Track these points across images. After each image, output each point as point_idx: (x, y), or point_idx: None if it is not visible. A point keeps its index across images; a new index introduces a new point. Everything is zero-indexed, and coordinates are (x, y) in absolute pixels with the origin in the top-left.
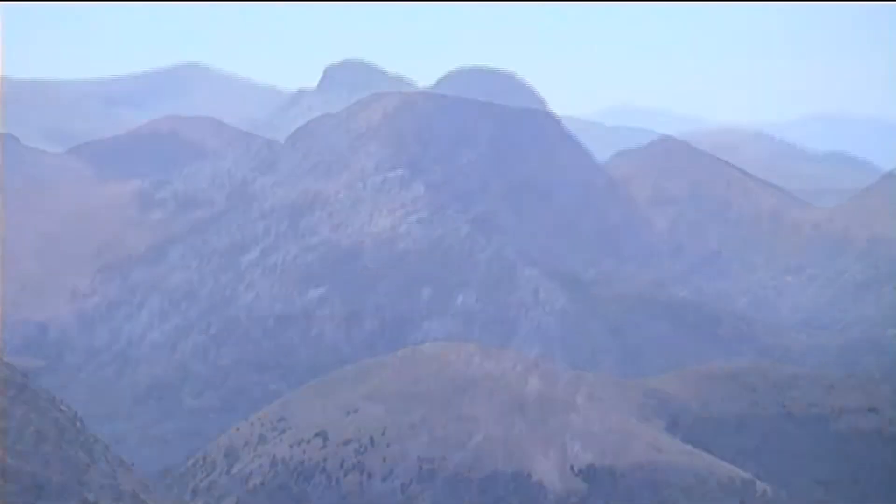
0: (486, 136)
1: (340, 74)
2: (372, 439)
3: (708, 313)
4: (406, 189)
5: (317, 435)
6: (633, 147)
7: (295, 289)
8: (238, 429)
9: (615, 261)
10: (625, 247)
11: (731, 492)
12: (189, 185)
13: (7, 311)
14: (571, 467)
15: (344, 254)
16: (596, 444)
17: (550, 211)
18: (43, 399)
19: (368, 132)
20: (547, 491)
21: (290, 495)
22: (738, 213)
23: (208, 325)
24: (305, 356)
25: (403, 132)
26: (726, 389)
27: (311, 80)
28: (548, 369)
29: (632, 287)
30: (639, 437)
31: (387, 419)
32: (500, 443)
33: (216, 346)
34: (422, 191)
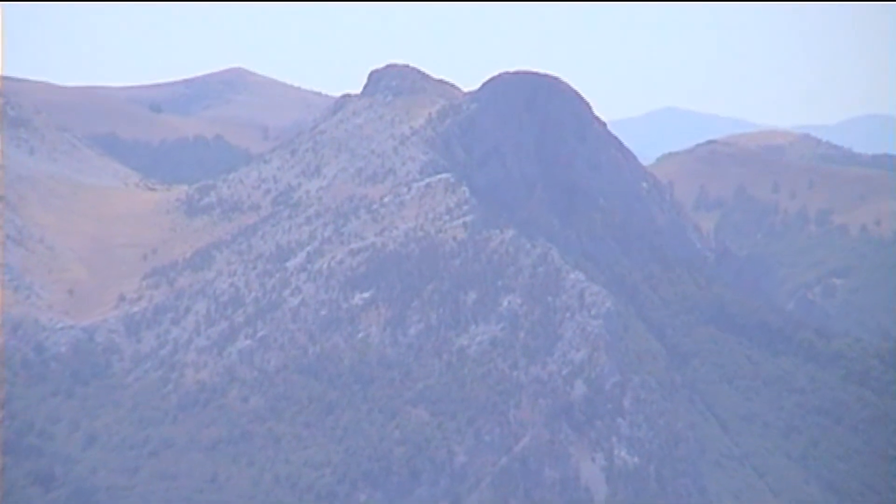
0: (530, 139)
1: (385, 79)
2: (418, 444)
3: (755, 317)
4: (451, 193)
5: (363, 439)
6: (679, 150)
7: (340, 293)
8: None
9: (661, 264)
10: (670, 250)
11: (781, 496)
12: (234, 190)
13: (54, 317)
14: (618, 472)
15: (389, 258)
16: (643, 448)
17: (596, 214)
18: (91, 404)
19: (413, 136)
20: (593, 495)
21: (337, 497)
22: (785, 215)
23: (254, 329)
24: (351, 360)
25: (448, 136)
26: (774, 393)
27: (356, 85)
28: (594, 373)
29: (678, 290)
30: (686, 442)
31: (433, 423)
32: (546, 447)
33: (262, 351)
34: (466, 195)
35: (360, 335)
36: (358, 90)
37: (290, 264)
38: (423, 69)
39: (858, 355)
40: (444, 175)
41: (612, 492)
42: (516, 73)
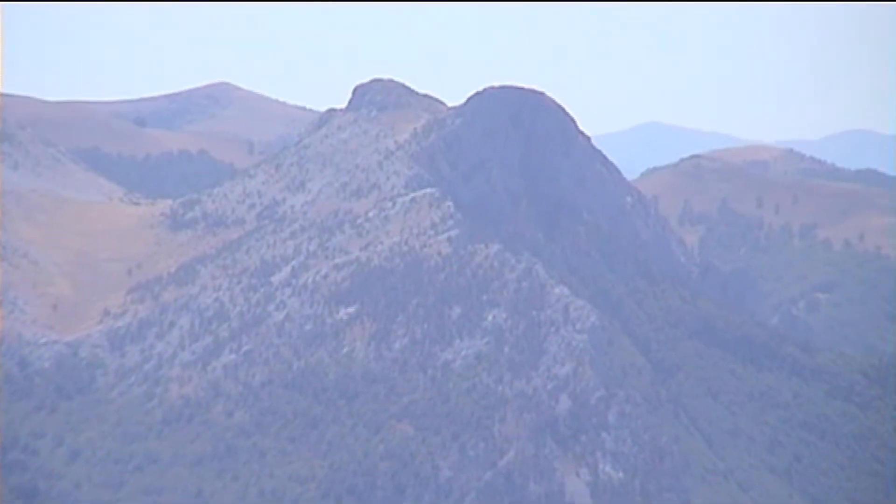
0: (515, 154)
1: (370, 93)
2: (402, 458)
3: (739, 331)
4: (436, 208)
5: (347, 454)
6: (663, 165)
7: (325, 308)
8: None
9: (645, 278)
10: (655, 264)
11: None
12: (219, 204)
13: (38, 332)
14: (603, 486)
15: (374, 273)
16: (627, 462)
17: (580, 229)
18: (75, 419)
19: (398, 151)
20: None
21: None
22: (769, 230)
23: (239, 344)
24: (335, 375)
25: (433, 151)
26: (758, 408)
27: (341, 100)
28: (579, 388)
29: (662, 305)
30: (670, 456)
31: (417, 438)
32: (530, 462)
33: (247, 366)
34: (451, 209)
35: (345, 350)
36: (343, 105)
37: (275, 279)
38: (407, 84)
39: (842, 370)
40: (428, 190)
41: None
42: (501, 88)
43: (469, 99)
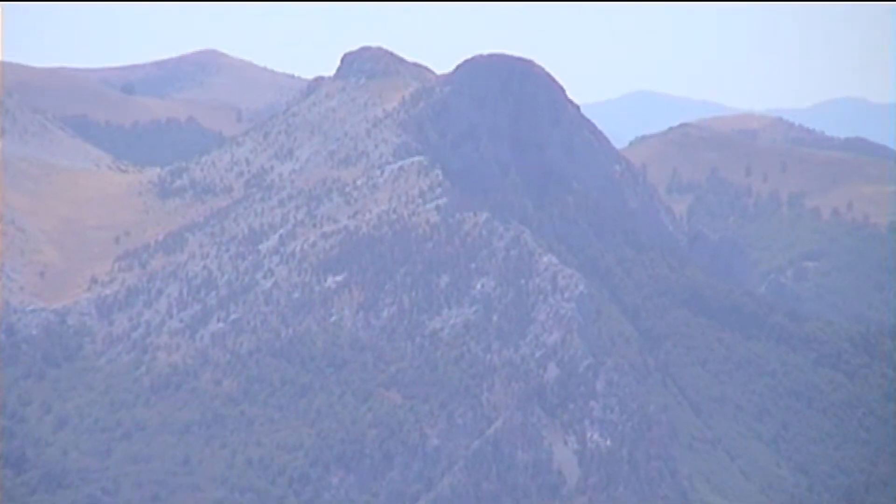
0: (504, 122)
1: (358, 61)
2: (390, 427)
3: (728, 300)
4: (424, 176)
5: (336, 422)
6: (652, 133)
7: (313, 276)
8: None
9: (634, 247)
10: (644, 233)
11: (752, 479)
12: (207, 172)
13: (26, 299)
14: (591, 455)
15: (362, 241)
16: (615, 431)
17: (569, 198)
18: (63, 387)
19: (386, 119)
20: (566, 478)
21: (310, 480)
22: (758, 199)
23: (227, 312)
24: (323, 343)
25: (421, 119)
26: (746, 376)
27: (329, 68)
28: (567, 356)
29: (651, 274)
30: (658, 424)
31: (405, 406)
32: (518, 430)
33: (235, 334)
34: (440, 178)
35: (333, 318)
36: (331, 73)
37: (263, 247)
38: (396, 52)
39: (830, 338)
40: (417, 158)
41: (585, 474)
42: (490, 57)
43: (458, 67)
